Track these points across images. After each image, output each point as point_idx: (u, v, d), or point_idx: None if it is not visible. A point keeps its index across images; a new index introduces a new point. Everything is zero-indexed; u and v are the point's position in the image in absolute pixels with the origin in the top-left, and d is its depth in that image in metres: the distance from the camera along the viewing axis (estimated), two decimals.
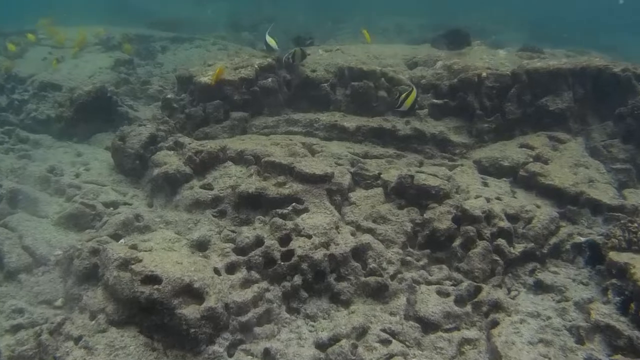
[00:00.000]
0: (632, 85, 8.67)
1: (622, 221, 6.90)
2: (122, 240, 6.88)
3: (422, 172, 7.47)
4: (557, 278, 6.78)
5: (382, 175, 7.64)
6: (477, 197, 7.21)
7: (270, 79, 9.21)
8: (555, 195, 7.66)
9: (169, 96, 9.58)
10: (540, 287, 6.70)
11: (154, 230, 7.17)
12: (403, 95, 8.00)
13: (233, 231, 6.96)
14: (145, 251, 6.27)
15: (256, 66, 9.22)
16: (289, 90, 9.51)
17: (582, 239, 7.26)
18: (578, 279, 6.78)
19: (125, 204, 7.85)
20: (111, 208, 7.73)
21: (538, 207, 7.42)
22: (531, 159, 8.07)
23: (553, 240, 7.10)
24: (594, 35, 21.69)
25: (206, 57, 13.34)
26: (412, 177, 7.26)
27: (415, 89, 8.06)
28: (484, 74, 8.73)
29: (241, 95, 9.04)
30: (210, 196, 7.34)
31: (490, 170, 8.16)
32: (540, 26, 22.21)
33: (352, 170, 7.72)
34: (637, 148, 8.41)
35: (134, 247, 6.36)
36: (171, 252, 6.51)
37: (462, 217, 6.90)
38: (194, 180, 7.70)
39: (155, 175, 7.86)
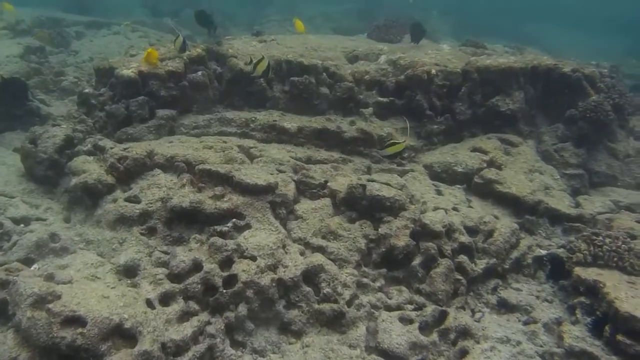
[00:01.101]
0: (583, 86, 8.27)
1: (585, 234, 6.49)
2: (35, 266, 5.70)
3: (374, 181, 6.72)
4: (521, 296, 6.26)
5: (329, 184, 6.80)
6: (435, 209, 6.56)
7: (200, 73, 8.04)
8: (512, 203, 7.12)
9: (86, 91, 8.15)
10: (504, 306, 6.14)
11: (72, 252, 6.00)
12: (390, 142, 7.11)
13: (165, 252, 5.92)
14: (65, 283, 5.18)
15: (185, 58, 8.03)
16: (220, 85, 8.39)
17: (543, 252, 6.79)
18: (542, 296, 6.30)
19: (38, 219, 6.54)
20: (22, 225, 6.41)
21: (496, 218, 6.87)
22: (485, 165, 7.51)
23: (514, 254, 6.57)
24: (512, 22, 21.92)
25: (126, 45, 11.98)
26: (364, 186, 6.49)
27: (405, 142, 7.22)
28: (434, 71, 8.02)
29: (168, 90, 7.80)
30: (137, 211, 6.21)
31: (442, 176, 7.50)
32: (463, 14, 22.19)
33: (295, 178, 6.85)
34: (589, 153, 8.04)
35: (50, 277, 5.24)
36: (95, 282, 5.42)
37: (422, 232, 6.23)
38: (118, 191, 6.52)
39: (72, 186, 6.58)
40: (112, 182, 6.51)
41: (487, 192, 7.24)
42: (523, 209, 7.06)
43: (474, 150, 7.74)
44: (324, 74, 8.21)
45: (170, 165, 6.71)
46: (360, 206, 6.43)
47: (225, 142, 7.41)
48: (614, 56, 18.03)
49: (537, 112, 8.45)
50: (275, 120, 7.70)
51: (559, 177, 7.59)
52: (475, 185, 7.32)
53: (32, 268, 5.71)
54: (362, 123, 7.91)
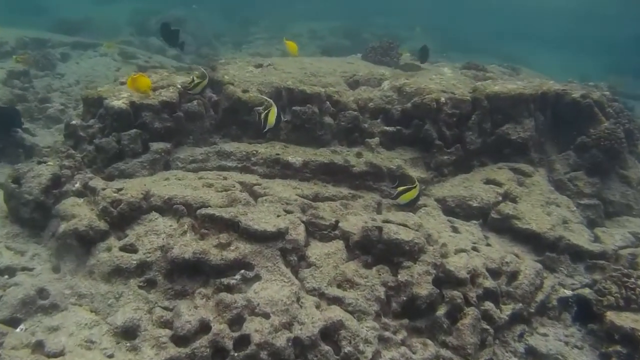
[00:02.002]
0: (594, 112, 7.68)
1: (614, 274, 5.91)
2: (21, 327, 4.95)
3: (390, 222, 6.03)
4: (549, 343, 5.64)
5: (340, 225, 6.09)
6: (457, 252, 5.91)
7: (196, 102, 7.23)
8: (531, 240, 6.50)
9: (73, 122, 7.22)
10: (532, 355, 5.54)
11: (63, 310, 5.21)
12: (401, 189, 6.50)
13: (167, 308, 5.16)
14: (56, 356, 4.49)
15: (179, 86, 7.25)
16: (216, 114, 7.60)
17: (568, 293, 6.20)
18: (571, 342, 5.69)
19: (24, 268, 5.66)
20: (6, 276, 5.55)
21: (518, 257, 6.25)
22: (500, 198, 6.89)
23: (539, 296, 5.95)
24: (496, 42, 21.52)
25: (113, 67, 11.06)
26: (379, 229, 5.81)
27: (419, 187, 6.55)
28: (443, 100, 7.33)
29: (162, 122, 6.98)
30: (134, 262, 5.40)
31: (456, 211, 6.80)
32: (446, 31, 21.68)
33: (304, 218, 6.13)
34: (603, 181, 7.45)
35: (38, 346, 4.56)
36: (91, 350, 4.69)
37: (445, 279, 5.59)
38: (112, 238, 5.68)
39: (61, 233, 5.68)
40: (105, 229, 5.68)
41: (504, 228, 6.62)
42: (543, 246, 6.44)
43: (487, 182, 7.08)
44: (327, 102, 7.49)
45: (168, 208, 5.91)
46: (377, 249, 5.74)
47: (225, 178, 6.65)
48: (595, 74, 17.79)
49: (546, 139, 7.85)
50: (279, 154, 6.94)
51: (575, 209, 6.99)
52: (492, 220, 6.67)
53: (18, 330, 4.94)
54: (369, 154, 7.20)
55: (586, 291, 6.07)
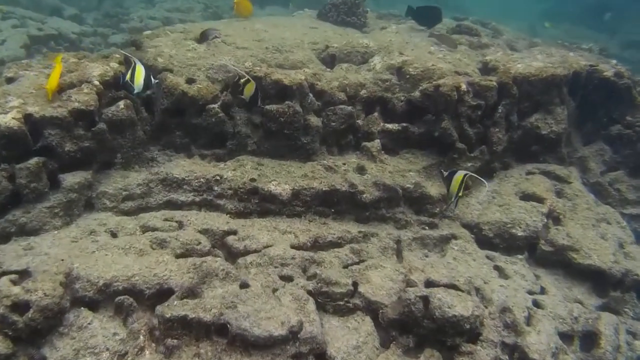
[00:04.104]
0: (631, 96, 5.94)
1: None
2: None
3: (434, 283, 4.13)
4: None
5: (360, 290, 4.14)
6: (528, 321, 4.14)
7: (123, 104, 4.68)
8: (592, 276, 4.92)
9: None
10: None
11: None
12: (461, 195, 4.44)
13: None
14: None
15: (96, 82, 4.64)
16: (152, 116, 5.12)
17: None
18: None
19: None
20: None
21: (581, 304, 4.65)
22: (545, 219, 5.15)
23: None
24: None
25: None
26: (424, 299, 3.91)
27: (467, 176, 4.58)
28: (464, 87, 5.32)
29: (77, 141, 4.42)
30: None
31: (495, 242, 4.98)
32: None
33: (310, 287, 4.08)
34: None
35: None
36: None
37: None
38: None
39: None
40: (8, 351, 3.33)
41: (557, 261, 4.92)
42: (607, 283, 4.85)
43: (524, 197, 5.25)
44: (310, 94, 5.21)
45: (105, 299, 3.63)
46: (421, 328, 3.87)
47: (181, 225, 4.37)
48: (529, 19, 16.33)
49: (572, 128, 6.11)
50: (255, 180, 4.68)
51: (625, 223, 5.41)
52: (542, 253, 4.94)
53: None
54: (372, 166, 5.11)
55: None
